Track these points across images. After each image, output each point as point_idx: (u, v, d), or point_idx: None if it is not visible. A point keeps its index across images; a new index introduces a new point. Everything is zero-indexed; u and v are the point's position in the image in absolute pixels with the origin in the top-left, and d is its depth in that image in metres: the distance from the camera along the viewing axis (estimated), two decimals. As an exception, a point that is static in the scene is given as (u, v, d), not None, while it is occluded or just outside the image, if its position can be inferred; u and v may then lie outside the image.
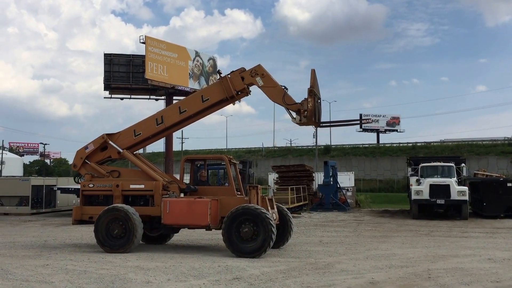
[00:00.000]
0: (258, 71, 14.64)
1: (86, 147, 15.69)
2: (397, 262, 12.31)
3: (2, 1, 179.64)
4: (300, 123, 14.54)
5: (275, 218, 13.86)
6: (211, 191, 14.63)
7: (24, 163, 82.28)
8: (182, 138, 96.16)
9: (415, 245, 15.65)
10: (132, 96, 45.87)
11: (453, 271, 11.05)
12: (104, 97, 45.01)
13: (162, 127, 15.34)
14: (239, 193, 14.46)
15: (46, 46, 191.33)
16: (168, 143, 45.51)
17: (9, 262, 12.17)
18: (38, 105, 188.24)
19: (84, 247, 15.16)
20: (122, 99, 45.70)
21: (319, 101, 14.86)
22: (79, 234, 18.65)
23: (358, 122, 17.56)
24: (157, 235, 15.62)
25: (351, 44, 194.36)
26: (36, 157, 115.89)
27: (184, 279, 10.04)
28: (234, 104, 15.63)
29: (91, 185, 14.92)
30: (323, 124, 15.91)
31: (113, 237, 13.75)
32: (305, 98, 14.36)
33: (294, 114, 14.55)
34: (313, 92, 14.34)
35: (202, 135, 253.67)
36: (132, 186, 14.59)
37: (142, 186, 14.53)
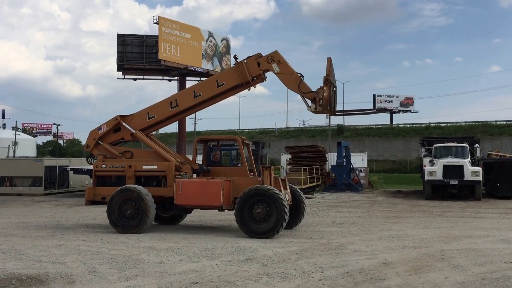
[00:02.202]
0: (275, 58, 14.49)
1: (99, 128, 15.68)
2: (410, 243, 12.26)
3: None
4: (315, 112, 14.43)
5: (288, 198, 13.82)
6: (224, 171, 14.59)
7: (37, 144, 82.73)
8: (195, 119, 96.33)
9: (428, 226, 15.57)
10: (145, 77, 45.90)
11: (466, 252, 10.97)
12: (117, 78, 45.13)
13: (176, 110, 15.27)
14: (252, 173, 14.43)
15: (59, 27, 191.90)
16: (181, 124, 45.59)
17: (22, 243, 12.25)
18: (51, 86, 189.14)
19: (97, 227, 15.22)
20: (135, 79, 45.78)
21: (334, 89, 14.74)
22: (92, 215, 18.73)
23: (373, 111, 17.41)
24: (170, 216, 15.65)
25: (365, 24, 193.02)
26: (49, 138, 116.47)
27: (196, 260, 10.05)
28: (249, 90, 15.52)
29: (103, 166, 14.94)
30: (338, 113, 15.81)
31: (126, 218, 13.79)
32: (320, 87, 14.23)
33: (309, 102, 14.45)
34: (329, 80, 14.21)
35: (215, 115, 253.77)
36: (144, 167, 14.59)
37: (155, 167, 14.53)
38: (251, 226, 12.92)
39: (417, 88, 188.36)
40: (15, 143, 57.57)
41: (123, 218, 13.82)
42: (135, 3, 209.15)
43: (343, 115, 15.41)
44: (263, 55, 14.68)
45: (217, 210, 14.01)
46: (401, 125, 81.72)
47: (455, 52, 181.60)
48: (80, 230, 14.54)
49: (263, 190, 12.87)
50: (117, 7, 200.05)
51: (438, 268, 9.41)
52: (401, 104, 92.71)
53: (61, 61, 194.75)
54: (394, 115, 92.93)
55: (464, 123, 76.02)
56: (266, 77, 14.99)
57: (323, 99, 14.13)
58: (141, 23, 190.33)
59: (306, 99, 14.47)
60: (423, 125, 77.84)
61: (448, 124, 76.73)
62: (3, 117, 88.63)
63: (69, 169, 32.12)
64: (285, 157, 38.04)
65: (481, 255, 10.66)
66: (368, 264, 9.74)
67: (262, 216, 12.84)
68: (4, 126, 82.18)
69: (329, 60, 14.57)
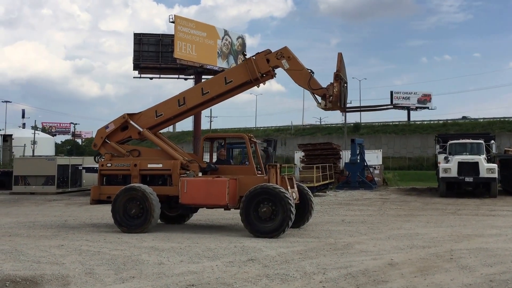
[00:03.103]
0: (284, 53, 14.15)
1: (106, 127, 15.51)
2: (419, 242, 11.93)
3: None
4: (326, 108, 14.09)
5: (295, 197, 13.56)
6: (231, 170, 14.35)
7: (56, 143, 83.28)
8: (210, 116, 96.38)
9: (439, 225, 15.21)
10: (162, 76, 45.85)
11: (476, 252, 10.64)
12: (134, 77, 45.11)
13: (184, 108, 15.01)
14: (259, 172, 14.19)
15: (79, 27, 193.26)
16: (197, 122, 45.50)
17: (25, 243, 12.13)
18: (70, 86, 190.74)
19: (103, 227, 15.08)
20: (151, 78, 45.74)
21: (345, 85, 14.40)
22: (100, 214, 18.60)
23: (385, 107, 16.94)
24: (176, 215, 15.45)
25: (382, 21, 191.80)
26: (68, 137, 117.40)
27: (197, 261, 9.82)
28: (258, 87, 15.06)
29: (109, 165, 14.79)
30: (349, 110, 15.48)
31: (131, 217, 13.62)
32: (330, 83, 13.90)
33: (319, 99, 14.12)
34: (339, 76, 13.87)
35: (231, 113, 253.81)
36: (150, 166, 14.40)
37: (160, 165, 14.34)
38: (256, 225, 12.67)
39: (435, 84, 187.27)
40: (34, 142, 57.99)
41: (127, 217, 13.65)
42: (153, 3, 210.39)
43: (354, 111, 15.05)
44: (272, 51, 14.40)
45: (223, 209, 13.78)
46: (418, 122, 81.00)
47: (474, 48, 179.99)
48: (85, 230, 14.40)
49: (269, 189, 12.61)
50: (135, 7, 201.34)
51: (446, 269, 9.09)
52: (419, 101, 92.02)
53: (80, 60, 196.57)
54: (411, 112, 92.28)
55: (482, 120, 75.13)
56: (275, 73, 14.68)
57: (333, 96, 13.80)
58: (159, 22, 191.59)
59: (316, 95, 14.17)
60: (441, 121, 77.06)
61: (466, 121, 75.88)
62: (23, 116, 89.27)
63: (81, 168, 32.12)
64: (298, 155, 37.73)
65: (491, 255, 10.32)
66: (373, 265, 9.45)
67: (267, 215, 12.58)
68: (24, 125, 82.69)
69: (340, 55, 14.21)
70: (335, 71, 13.94)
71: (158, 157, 14.82)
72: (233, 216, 16.44)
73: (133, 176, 14.40)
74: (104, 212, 18.75)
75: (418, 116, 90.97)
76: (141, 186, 13.72)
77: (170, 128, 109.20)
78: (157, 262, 9.68)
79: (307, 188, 14.71)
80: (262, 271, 8.95)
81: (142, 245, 11.63)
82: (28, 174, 31.60)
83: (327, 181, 31.54)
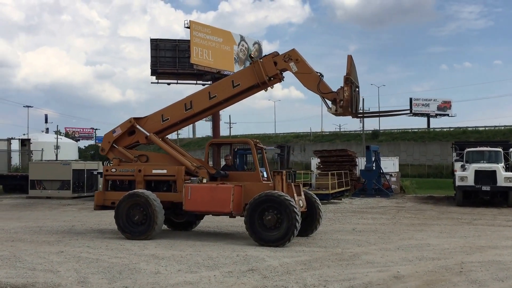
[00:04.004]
0: (292, 56, 13.70)
1: (113, 131, 15.27)
2: (429, 253, 11.49)
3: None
4: (336, 114, 13.57)
5: (302, 205, 13.21)
6: (237, 176, 14.02)
7: (79, 148, 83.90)
8: (230, 122, 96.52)
9: (453, 235, 14.72)
10: (179, 81, 45.80)
11: (488, 265, 10.18)
12: (151, 82, 45.12)
13: (191, 112, 14.65)
14: (265, 178, 13.85)
15: (99, 33, 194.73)
16: (215, 128, 45.41)
17: (26, 248, 11.96)
18: (92, 91, 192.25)
19: (108, 232, 14.85)
20: (169, 84, 45.69)
21: (357, 89, 13.84)
22: (109, 219, 18.14)
23: (397, 113, 16.45)
24: (183, 222, 15.17)
25: (401, 27, 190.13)
26: (91, 142, 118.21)
27: (195, 270, 9.52)
28: (266, 91, 14.54)
29: (113, 170, 14.57)
30: (360, 115, 15.01)
31: (134, 224, 13.38)
32: (341, 87, 13.35)
33: (329, 104, 13.62)
34: (350, 80, 13.32)
35: (251, 119, 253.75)
36: (154, 171, 14.13)
37: (165, 171, 14.06)
38: (261, 233, 12.33)
39: (455, 91, 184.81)
40: (57, 147, 58.58)
41: (131, 223, 13.41)
42: (171, 9, 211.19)
43: (367, 117, 14.56)
44: (280, 54, 14.03)
45: (228, 216, 13.47)
46: (437, 129, 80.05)
47: (495, 55, 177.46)
48: (90, 236, 14.19)
49: (274, 196, 12.27)
50: (154, 14, 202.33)
51: (454, 283, 8.67)
52: (439, 108, 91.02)
53: (100, 66, 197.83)
54: (431, 119, 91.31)
55: (503, 127, 73.95)
56: (283, 77, 14.25)
57: (344, 100, 13.26)
58: (178, 28, 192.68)
59: (326, 100, 13.72)
60: (460, 129, 76.04)
61: (486, 128, 74.77)
62: (46, 121, 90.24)
63: (96, 173, 32.08)
64: (315, 161, 37.31)
65: (503, 268, 9.87)
66: (378, 277, 9.06)
67: (272, 224, 12.23)
68: (47, 130, 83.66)
69: (350, 58, 13.64)
70: (345, 74, 13.43)
71: (166, 163, 14.54)
72: (243, 223, 16.11)
73: (137, 181, 14.15)
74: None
75: (438, 123, 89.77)
76: (145, 192, 13.46)
77: (190, 134, 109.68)
78: (154, 271, 9.39)
79: (315, 196, 14.33)
80: (260, 282, 8.61)
81: (143, 252, 11.36)
82: (44, 179, 31.75)
83: (343, 188, 31.07)
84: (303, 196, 13.58)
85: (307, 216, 13.68)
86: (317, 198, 14.30)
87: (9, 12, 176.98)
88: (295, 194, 12.95)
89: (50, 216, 20.43)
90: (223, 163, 14.99)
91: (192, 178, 13.65)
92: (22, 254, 11.22)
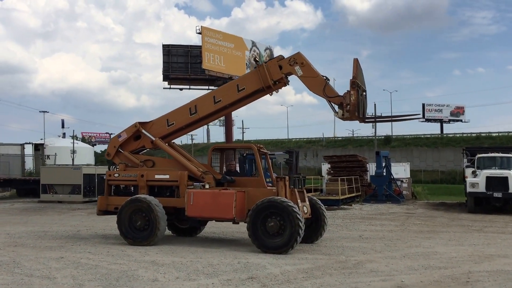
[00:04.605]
0: (298, 60, 13.44)
1: (119, 136, 15.13)
2: (436, 262, 11.22)
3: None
4: (343, 118, 13.28)
5: (306, 211, 12.99)
6: (241, 182, 13.81)
7: (95, 152, 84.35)
8: (242, 128, 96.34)
9: (462, 243, 14.41)
10: (191, 87, 45.84)
11: (496, 275, 9.91)
12: (164, 88, 45.22)
13: (196, 117, 14.45)
14: (270, 184, 13.64)
15: (114, 39, 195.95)
16: (228, 133, 45.39)
17: (26, 254, 11.87)
18: (108, 96, 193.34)
19: (112, 238, 14.70)
20: (181, 89, 45.77)
21: (364, 93, 13.55)
22: (116, 224, 18.21)
23: (407, 117, 16.07)
24: (188, 227, 15.00)
25: (414, 33, 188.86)
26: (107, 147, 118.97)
27: (194, 278, 9.34)
28: (271, 95, 14.34)
29: (116, 175, 14.45)
30: (368, 120, 14.74)
31: (136, 229, 13.25)
32: (347, 91, 13.07)
33: (336, 108, 13.34)
34: (356, 83, 13.04)
35: (263, 125, 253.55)
36: (157, 176, 13.98)
37: (167, 176, 13.90)
38: (264, 240, 12.12)
39: (469, 96, 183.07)
40: (73, 152, 59.15)
41: (133, 229, 13.29)
42: (185, 15, 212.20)
43: (374, 121, 14.21)
44: (285, 57, 13.82)
45: (231, 222, 13.27)
46: (450, 135, 79.42)
47: (508, 60, 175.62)
48: (93, 241, 14.08)
49: (276, 202, 12.06)
50: (168, 20, 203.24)
51: (458, 293, 8.42)
52: (452, 114, 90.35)
53: (115, 72, 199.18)
54: (444, 124, 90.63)
55: (517, 133, 73.20)
56: (288, 81, 14.02)
57: (351, 104, 12.95)
58: (191, 34, 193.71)
59: (332, 104, 13.47)
60: (474, 134, 75.35)
61: (500, 134, 74.02)
62: (63, 126, 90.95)
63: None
64: (325, 167, 37.01)
65: None
66: (381, 286, 8.84)
67: (275, 230, 12.02)
68: (63, 135, 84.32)
69: (356, 61, 13.34)
70: (351, 77, 13.14)
71: (172, 168, 14.37)
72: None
73: (140, 187, 14.01)
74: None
75: (451, 128, 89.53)
76: (147, 197, 13.31)
77: (205, 139, 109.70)
78: (152, 279, 9.23)
79: (320, 202, 14.08)
80: (258, 291, 8.42)
81: (144, 259, 11.21)
82: (55, 183, 31.87)
83: (353, 194, 30.77)
84: (307, 202, 13.35)
85: (312, 222, 13.47)
86: (322, 204, 14.05)
87: (26, 19, 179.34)
88: (298, 200, 12.74)
89: (57, 221, 20.35)
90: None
91: (194, 183, 13.47)
92: (22, 259, 11.13)
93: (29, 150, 44.68)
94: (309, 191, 27.49)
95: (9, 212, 24.65)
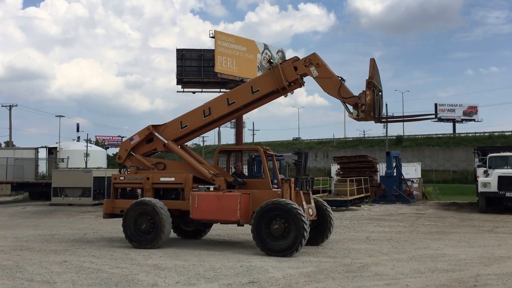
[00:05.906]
0: (313, 60, 13.26)
1: (131, 139, 15.03)
2: (443, 264, 11.00)
3: (90, 4, 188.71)
4: (358, 119, 13.11)
5: (311, 213, 12.84)
6: (247, 184, 13.62)
7: (108, 155, 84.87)
8: (253, 130, 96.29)
9: (472, 244, 14.17)
10: (204, 90, 45.98)
11: (506, 278, 9.69)
12: (177, 91, 45.41)
13: (210, 119, 14.33)
14: (275, 186, 13.49)
15: (130, 45, 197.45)
16: (239, 135, 45.39)
17: (31, 258, 11.82)
18: (122, 100, 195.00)
19: (117, 241, 14.61)
20: (194, 92, 45.91)
21: (380, 93, 13.34)
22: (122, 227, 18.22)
23: (421, 117, 15.79)
24: (193, 230, 14.91)
25: (426, 33, 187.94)
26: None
27: (194, 282, 9.22)
28: (285, 96, 14.19)
29: (122, 178, 14.38)
30: (384, 120, 14.55)
31: (141, 232, 13.15)
32: (363, 91, 12.88)
33: (351, 109, 13.17)
34: (372, 83, 12.82)
35: (274, 126, 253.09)
36: (162, 179, 13.89)
37: (172, 179, 13.80)
38: (268, 243, 11.97)
39: (482, 96, 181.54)
40: (87, 155, 59.79)
41: (138, 232, 13.19)
42: (199, 20, 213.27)
43: (389, 122, 13.99)
44: (301, 58, 13.63)
45: (236, 225, 13.14)
46: (463, 135, 78.81)
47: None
48: (97, 245, 13.99)
49: (281, 205, 11.91)
50: (183, 25, 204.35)
51: (464, 297, 8.23)
52: (465, 113, 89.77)
53: (131, 76, 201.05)
54: (457, 124, 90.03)
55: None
56: (304, 82, 13.84)
57: (366, 105, 12.78)
58: (205, 39, 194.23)
59: (347, 104, 13.24)
60: (486, 134, 74.71)
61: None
62: (78, 130, 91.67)
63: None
64: (335, 168, 36.83)
65: (520, 281, 9.37)
66: (384, 290, 8.66)
67: (279, 233, 11.86)
68: (78, 138, 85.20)
69: (372, 61, 13.15)
70: (367, 78, 12.92)
71: (183, 171, 14.24)
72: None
73: (145, 189, 13.93)
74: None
75: (464, 128, 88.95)
76: (152, 200, 13.23)
77: (216, 141, 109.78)
78: (151, 283, 9.12)
79: (326, 204, 13.92)
80: (259, 295, 8.28)
81: (146, 262, 11.11)
82: (66, 186, 32.06)
83: (362, 195, 30.56)
84: (313, 204, 13.22)
85: (317, 224, 13.33)
86: (328, 206, 13.90)
87: (47, 26, 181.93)
88: (304, 202, 12.60)
89: (66, 224, 20.35)
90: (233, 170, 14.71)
91: (199, 186, 13.35)
92: (25, 263, 11.06)
93: (43, 154, 44.98)
94: (317, 192, 27.37)
95: (20, 215, 24.74)
